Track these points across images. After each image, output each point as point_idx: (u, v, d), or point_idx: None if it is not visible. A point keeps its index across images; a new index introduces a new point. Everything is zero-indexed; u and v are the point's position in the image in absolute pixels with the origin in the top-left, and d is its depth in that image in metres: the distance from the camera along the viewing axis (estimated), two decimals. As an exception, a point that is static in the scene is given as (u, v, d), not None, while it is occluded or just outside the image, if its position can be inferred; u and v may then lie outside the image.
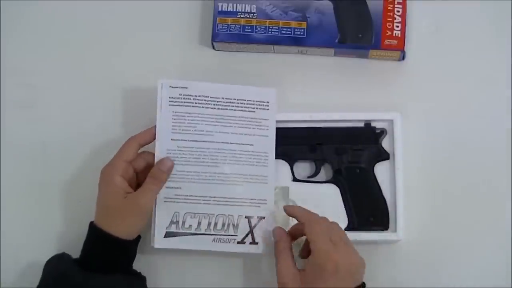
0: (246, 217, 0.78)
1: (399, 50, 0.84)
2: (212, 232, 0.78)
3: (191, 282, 0.82)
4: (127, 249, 0.75)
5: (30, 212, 0.84)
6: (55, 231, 0.83)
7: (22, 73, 0.89)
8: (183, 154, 0.78)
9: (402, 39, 0.83)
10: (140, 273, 0.77)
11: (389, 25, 0.84)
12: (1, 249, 0.83)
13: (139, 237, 0.77)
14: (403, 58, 0.86)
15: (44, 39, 0.90)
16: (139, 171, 0.78)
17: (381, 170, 0.82)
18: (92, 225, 0.75)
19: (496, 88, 0.85)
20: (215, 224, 0.78)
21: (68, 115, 0.87)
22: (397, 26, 0.84)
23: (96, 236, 0.74)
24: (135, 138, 0.77)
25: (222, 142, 0.79)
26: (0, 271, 0.82)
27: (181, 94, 0.79)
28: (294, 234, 0.75)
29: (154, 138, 0.78)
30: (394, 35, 0.83)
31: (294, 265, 0.71)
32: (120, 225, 0.73)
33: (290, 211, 0.75)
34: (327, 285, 0.66)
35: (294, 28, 0.85)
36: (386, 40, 0.83)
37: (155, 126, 0.78)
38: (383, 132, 0.82)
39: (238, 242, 0.78)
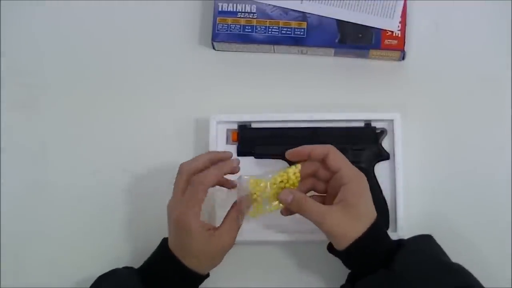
0: None
1: (399, 50, 0.84)
2: None
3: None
4: (200, 282, 0.73)
5: (30, 213, 0.84)
6: (55, 231, 0.83)
7: (22, 73, 0.89)
8: None
9: (402, 39, 0.83)
10: None
11: (389, 25, 0.84)
12: (1, 249, 0.83)
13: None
14: (403, 58, 0.86)
15: (44, 39, 0.90)
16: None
17: (381, 170, 0.82)
18: (170, 253, 0.70)
19: (496, 88, 0.85)
20: None
21: (68, 115, 0.87)
22: (397, 26, 0.84)
23: (174, 268, 0.70)
24: (205, 181, 0.69)
25: None
26: (0, 271, 0.82)
27: None
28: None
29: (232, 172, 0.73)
30: (394, 35, 0.83)
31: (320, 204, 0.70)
32: (201, 264, 0.71)
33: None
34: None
35: (294, 28, 0.85)
36: (386, 40, 0.84)
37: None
38: (383, 132, 0.82)
39: None
